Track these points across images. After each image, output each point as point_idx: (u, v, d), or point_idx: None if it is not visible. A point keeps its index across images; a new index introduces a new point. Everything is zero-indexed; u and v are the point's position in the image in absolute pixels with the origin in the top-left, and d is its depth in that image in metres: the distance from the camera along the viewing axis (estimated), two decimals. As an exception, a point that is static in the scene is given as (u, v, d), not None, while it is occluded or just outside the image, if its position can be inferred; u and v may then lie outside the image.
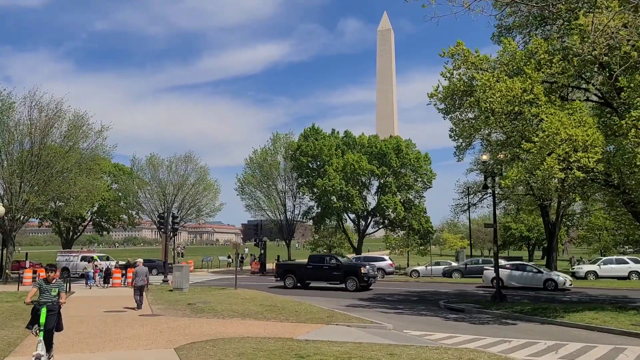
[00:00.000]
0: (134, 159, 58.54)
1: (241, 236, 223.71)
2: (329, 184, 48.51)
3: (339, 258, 33.76)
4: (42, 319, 9.23)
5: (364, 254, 53.43)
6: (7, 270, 37.65)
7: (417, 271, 45.00)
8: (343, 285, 31.13)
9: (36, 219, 49.45)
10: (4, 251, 38.31)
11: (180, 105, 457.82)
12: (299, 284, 32.81)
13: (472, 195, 48.08)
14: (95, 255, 40.33)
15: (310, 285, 33.14)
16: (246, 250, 55.09)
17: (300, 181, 53.19)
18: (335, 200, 49.95)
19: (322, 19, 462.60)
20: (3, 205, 32.81)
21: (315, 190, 50.58)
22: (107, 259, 37.51)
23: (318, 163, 52.01)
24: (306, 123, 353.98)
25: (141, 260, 23.48)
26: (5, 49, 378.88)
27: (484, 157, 26.21)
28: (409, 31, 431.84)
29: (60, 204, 47.69)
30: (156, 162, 56.75)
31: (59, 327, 9.82)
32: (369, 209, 53.33)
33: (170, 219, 37.97)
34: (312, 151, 50.82)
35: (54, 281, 9.58)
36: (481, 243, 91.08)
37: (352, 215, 54.90)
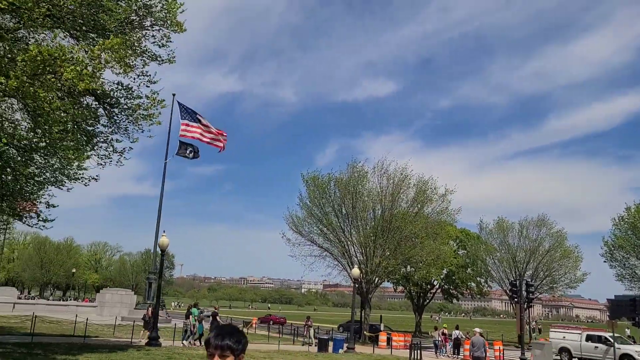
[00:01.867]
0: (481, 222, 56.37)
1: (607, 313, 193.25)
2: None
3: None
4: None
5: None
6: (364, 332, 39.50)
7: None
8: None
9: (389, 282, 51.76)
10: (362, 313, 40.47)
11: (525, 170, 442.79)
12: None
13: None
14: (444, 324, 38.80)
15: None
16: (627, 331, 44.47)
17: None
18: None
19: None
20: (359, 268, 34.70)
21: None
22: (457, 327, 35.29)
23: None
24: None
25: (479, 330, 21.00)
26: (368, 134, 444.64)
27: None
28: None
29: (410, 269, 48.82)
30: (505, 226, 53.15)
31: None
32: None
33: (524, 287, 33.39)
34: None
35: None
36: None
37: None
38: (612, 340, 31.49)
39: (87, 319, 23.72)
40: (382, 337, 36.51)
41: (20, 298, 59.95)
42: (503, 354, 27.68)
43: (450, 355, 31.98)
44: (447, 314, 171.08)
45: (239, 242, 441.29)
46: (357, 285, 34.96)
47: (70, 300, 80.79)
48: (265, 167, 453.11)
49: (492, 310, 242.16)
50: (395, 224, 39.05)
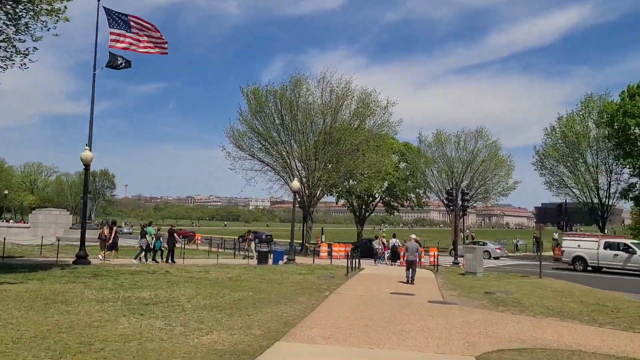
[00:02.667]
0: (420, 135, 57.18)
1: (534, 220, 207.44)
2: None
3: None
4: None
5: None
6: (306, 244, 40.20)
7: None
8: None
9: (332, 195, 52.40)
10: (304, 226, 40.98)
11: (468, 86, 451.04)
12: None
13: None
14: (384, 232, 39.95)
15: None
16: (555, 235, 47.57)
17: (617, 152, 42.99)
18: (668, 175, 38.83)
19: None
20: (299, 182, 34.52)
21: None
22: (394, 236, 36.29)
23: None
24: (614, 94, 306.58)
25: (414, 236, 22.59)
26: (314, 50, 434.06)
27: None
28: None
29: (352, 182, 49.35)
30: (443, 139, 54.18)
31: None
32: None
33: (460, 195, 34.48)
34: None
35: None
36: None
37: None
38: (634, 248, 29.65)
39: (4, 239, 22.48)
40: (324, 247, 37.24)
41: (-54, 221, 56.88)
42: (437, 258, 28.77)
43: (388, 262, 33.05)
44: (387, 225, 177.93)
45: (185, 162, 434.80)
46: (298, 199, 34.94)
47: (4, 222, 77.64)
48: (208, 84, 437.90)
49: (430, 220, 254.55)
50: (336, 136, 38.76)
